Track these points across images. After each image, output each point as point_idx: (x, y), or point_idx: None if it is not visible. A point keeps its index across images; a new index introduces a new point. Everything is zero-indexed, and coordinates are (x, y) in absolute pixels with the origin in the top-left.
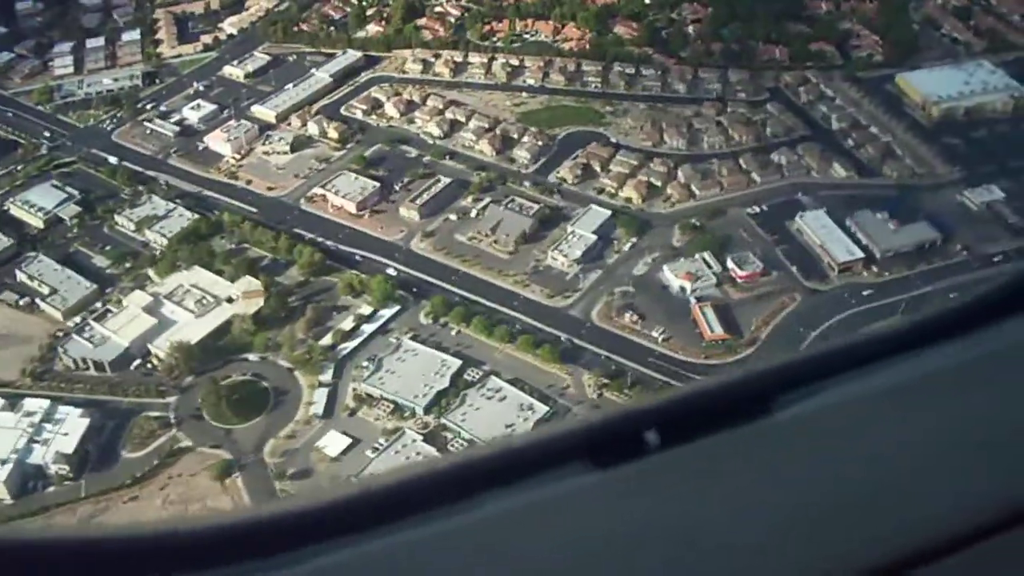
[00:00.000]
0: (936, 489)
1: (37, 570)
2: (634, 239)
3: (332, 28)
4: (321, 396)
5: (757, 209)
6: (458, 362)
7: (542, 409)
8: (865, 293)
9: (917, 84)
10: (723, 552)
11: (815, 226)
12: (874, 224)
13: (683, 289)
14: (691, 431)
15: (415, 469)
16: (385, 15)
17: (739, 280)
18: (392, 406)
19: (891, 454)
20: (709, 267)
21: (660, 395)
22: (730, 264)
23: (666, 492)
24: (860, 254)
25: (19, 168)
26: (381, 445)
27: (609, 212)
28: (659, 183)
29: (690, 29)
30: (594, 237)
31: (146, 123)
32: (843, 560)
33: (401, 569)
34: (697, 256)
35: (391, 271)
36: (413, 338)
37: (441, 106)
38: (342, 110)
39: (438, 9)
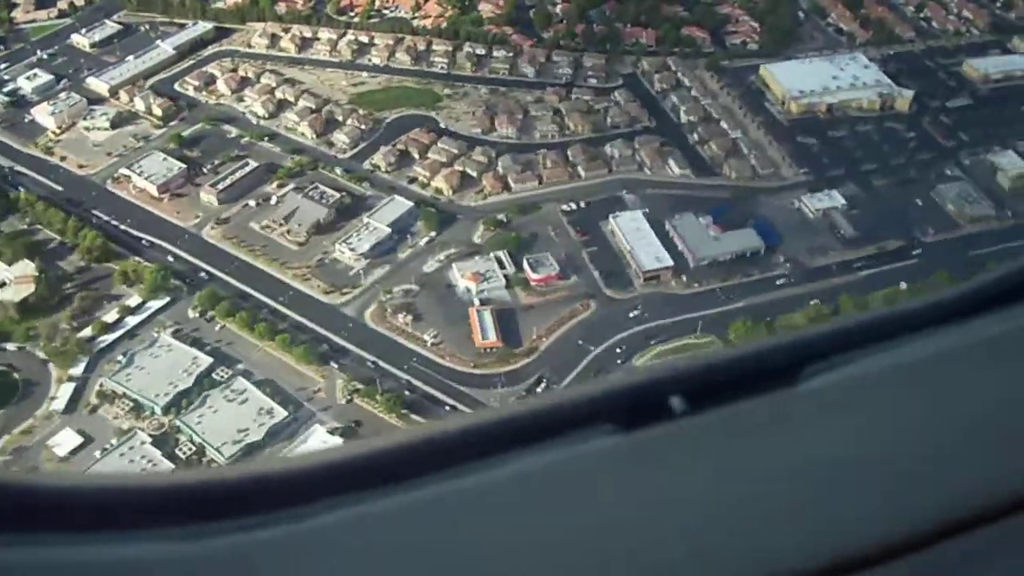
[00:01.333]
0: (960, 466)
1: (56, 516)
2: (433, 233)
3: None
4: (67, 391)
5: (573, 206)
6: (209, 360)
7: (281, 414)
8: (664, 307)
9: (780, 77)
10: (743, 519)
11: (628, 228)
12: (694, 229)
13: (469, 290)
14: (716, 398)
15: (442, 426)
16: None
17: (532, 283)
18: (132, 404)
19: (917, 429)
20: (503, 267)
21: (687, 360)
22: (525, 266)
23: (689, 457)
24: (669, 262)
25: None
26: (111, 446)
27: (411, 204)
28: (475, 173)
29: (558, 9)
30: (388, 230)
31: None
32: (862, 532)
33: (423, 524)
34: (492, 255)
35: (171, 259)
36: (174, 333)
37: (274, 84)
38: (176, 85)
39: None
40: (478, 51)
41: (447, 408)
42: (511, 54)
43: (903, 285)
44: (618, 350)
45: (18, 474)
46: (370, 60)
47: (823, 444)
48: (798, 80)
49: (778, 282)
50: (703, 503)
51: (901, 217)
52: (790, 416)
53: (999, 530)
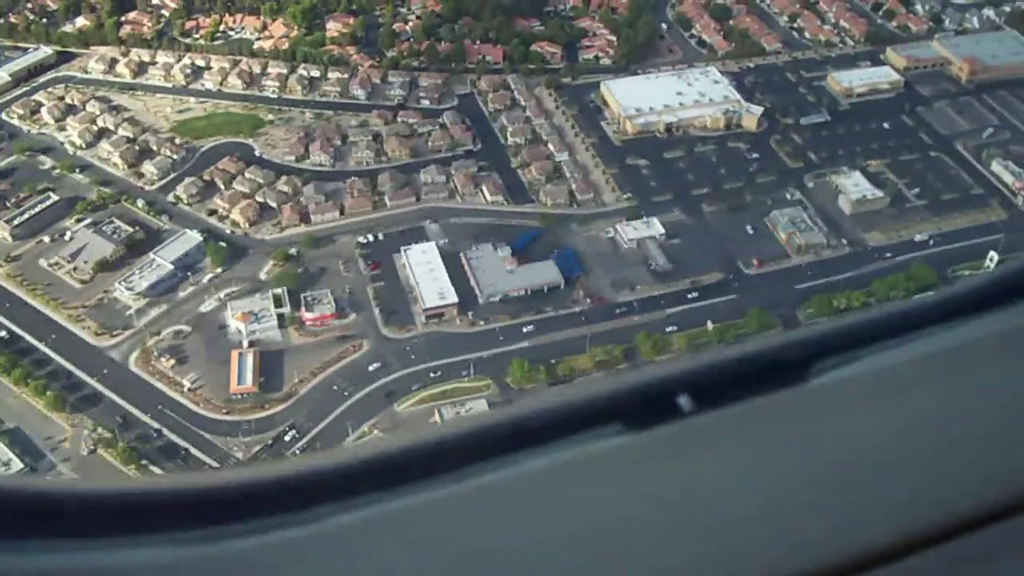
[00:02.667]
0: (972, 462)
1: (71, 522)
2: (219, 270)
3: (45, 20)
4: None
5: (370, 238)
6: None
7: (17, 466)
8: (441, 347)
9: (618, 94)
10: (753, 516)
11: (418, 262)
12: (489, 262)
13: (240, 331)
14: (724, 396)
15: (454, 426)
16: (96, 5)
17: (307, 323)
18: None
19: (926, 424)
20: (280, 306)
21: (694, 359)
22: (302, 304)
23: (699, 455)
24: (454, 298)
25: None
26: None
27: (200, 238)
28: (276, 205)
29: (409, 27)
30: (171, 267)
31: None
32: (874, 528)
33: (436, 524)
34: (271, 292)
35: None
36: None
37: (97, 112)
38: (3, 114)
39: (155, 1)
40: (313, 73)
41: (183, 459)
42: (346, 76)
43: (709, 325)
44: (383, 395)
45: (30, 481)
46: (203, 85)
47: (833, 441)
48: (637, 98)
49: (569, 320)
50: (713, 501)
51: (726, 247)
52: (799, 413)
53: (1012, 526)
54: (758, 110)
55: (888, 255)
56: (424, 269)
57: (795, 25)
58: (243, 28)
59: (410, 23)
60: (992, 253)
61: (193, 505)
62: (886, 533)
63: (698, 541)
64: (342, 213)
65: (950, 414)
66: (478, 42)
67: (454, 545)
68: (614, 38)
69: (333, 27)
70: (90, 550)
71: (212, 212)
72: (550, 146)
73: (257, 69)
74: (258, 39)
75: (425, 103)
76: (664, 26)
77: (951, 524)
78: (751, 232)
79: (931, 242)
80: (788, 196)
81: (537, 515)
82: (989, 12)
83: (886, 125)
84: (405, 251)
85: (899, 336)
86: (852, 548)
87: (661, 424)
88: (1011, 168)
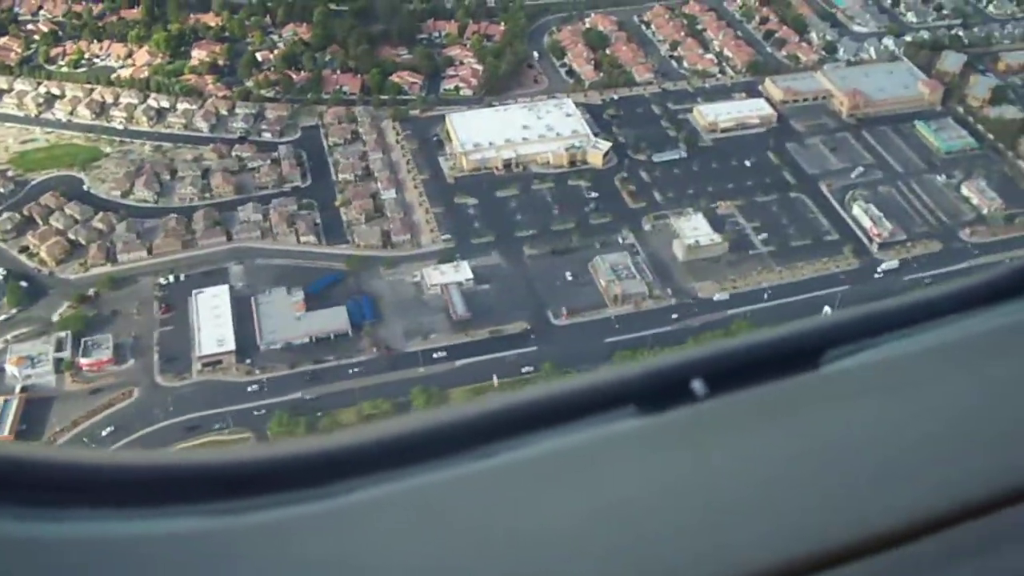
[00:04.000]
0: (981, 451)
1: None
2: (13, 311)
3: None
4: None
5: (171, 279)
6: None
7: None
8: (211, 396)
9: (460, 128)
10: (764, 501)
11: (207, 306)
12: (278, 307)
13: (15, 375)
14: (737, 381)
15: (470, 407)
16: None
17: (83, 368)
18: None
19: (937, 413)
20: (62, 350)
21: (708, 345)
22: (82, 348)
23: (711, 439)
24: (230, 346)
25: None
26: None
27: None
28: (86, 243)
29: (272, 55)
30: None
31: None
32: (883, 514)
33: (453, 502)
34: (55, 336)
35: None
36: None
37: None
38: None
39: (30, 26)
40: (162, 104)
41: None
42: (197, 106)
43: (495, 379)
44: (140, 447)
45: (58, 450)
46: (54, 115)
47: (844, 428)
48: (479, 132)
49: (351, 370)
50: (725, 485)
51: (540, 294)
52: (811, 400)
53: (1019, 513)
54: (605, 145)
55: (714, 308)
56: (210, 314)
57: (675, 53)
58: (108, 55)
59: (276, 51)
60: (826, 308)
61: (219, 479)
62: (895, 518)
63: (709, 524)
64: (150, 252)
65: (960, 404)
66: (338, 72)
67: (468, 523)
68: (480, 67)
69: (197, 55)
70: (122, 520)
71: (24, 249)
72: (379, 183)
73: (110, 99)
74: (121, 67)
75: (267, 136)
76: (536, 55)
77: (960, 511)
78: (570, 279)
79: (767, 294)
80: (620, 240)
81: (551, 495)
82: (888, 42)
83: (748, 163)
84: (196, 294)
85: (911, 326)
86: (861, 532)
87: (674, 408)
88: (871, 212)
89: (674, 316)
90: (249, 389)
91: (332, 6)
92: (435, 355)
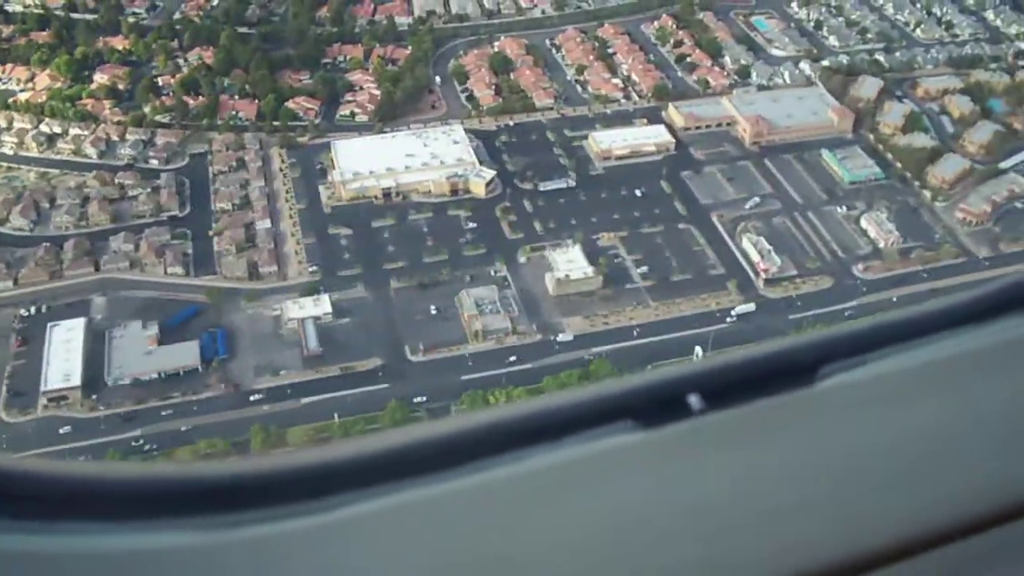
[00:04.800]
0: (975, 467)
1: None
2: None
3: None
4: None
5: (33, 311)
6: None
7: None
8: (49, 434)
9: (342, 156)
10: (760, 516)
11: (61, 339)
12: (131, 341)
13: None
14: (734, 396)
15: (466, 420)
16: None
17: None
18: None
19: (932, 429)
20: None
21: (704, 360)
22: None
23: (707, 454)
24: (76, 381)
25: None
26: None
27: None
28: None
29: (173, 80)
30: None
31: None
32: (878, 530)
33: (446, 517)
34: None
35: None
36: None
37: None
38: None
39: None
40: (55, 129)
41: None
42: (87, 132)
43: (336, 417)
44: None
45: (46, 463)
46: None
47: (839, 443)
48: (361, 160)
49: (195, 408)
50: (721, 499)
51: (401, 329)
52: (806, 415)
53: (1013, 530)
54: (488, 174)
55: (579, 346)
56: (62, 348)
57: (581, 78)
58: (10, 79)
59: (179, 76)
60: (697, 349)
61: (212, 492)
62: (889, 535)
63: (705, 538)
64: (16, 283)
65: (954, 420)
66: (236, 97)
67: (465, 537)
68: (379, 93)
69: (99, 80)
70: (111, 533)
71: None
72: (255, 212)
73: (3, 123)
74: (22, 91)
75: (154, 163)
76: (438, 80)
77: (953, 528)
78: (434, 313)
79: (636, 331)
80: (493, 272)
81: (548, 509)
82: (805, 66)
83: (638, 192)
84: (52, 327)
85: (905, 342)
86: (856, 549)
87: (671, 422)
88: (761, 245)
89: (511, 359)
90: (88, 427)
91: (240, 29)
92: (288, 391)
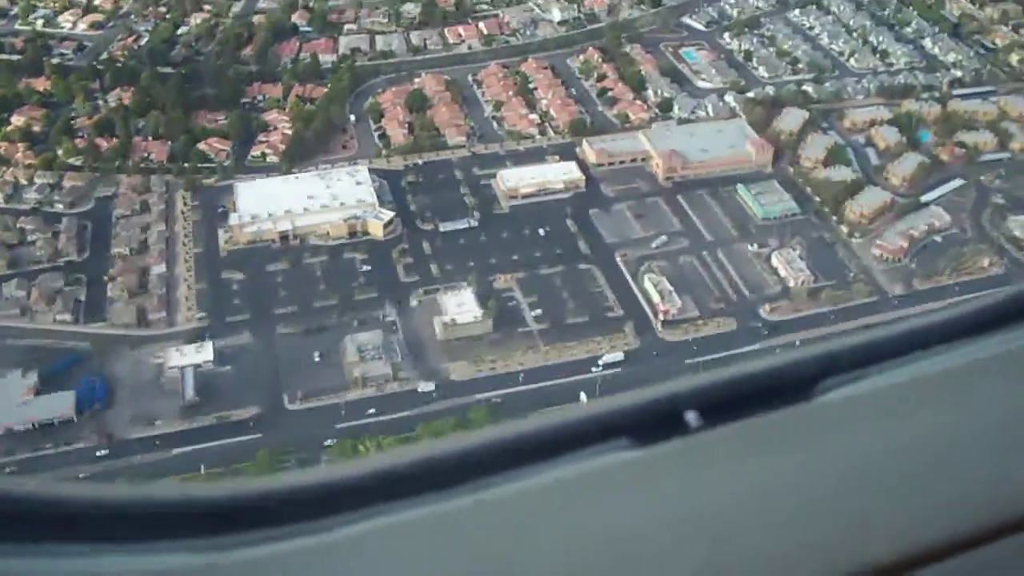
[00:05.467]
0: (973, 480)
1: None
2: None
3: None
4: None
5: None
6: None
7: None
8: None
9: (242, 198)
10: (757, 532)
11: None
12: (8, 390)
13: None
14: (731, 413)
15: (463, 439)
16: None
17: None
18: None
19: (929, 443)
20: None
21: (701, 376)
22: None
23: (704, 471)
24: None
25: None
26: None
27: None
28: None
29: (89, 121)
30: None
31: None
32: (876, 545)
33: (446, 536)
34: None
35: None
36: None
37: None
38: None
39: None
40: None
41: None
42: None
43: (202, 469)
44: None
45: (45, 485)
46: None
47: (837, 458)
48: (262, 202)
49: (66, 459)
50: (719, 516)
51: (283, 376)
52: (805, 430)
53: (1013, 543)
54: (387, 215)
55: (462, 392)
56: None
57: (498, 114)
58: None
59: (95, 117)
60: (582, 395)
61: (207, 514)
62: (890, 549)
63: (703, 555)
64: None
65: (953, 433)
66: (149, 138)
67: (463, 556)
68: (290, 132)
69: (16, 122)
70: (105, 555)
71: None
72: (151, 257)
73: None
74: None
75: (59, 206)
76: (352, 118)
77: (954, 541)
78: (317, 359)
79: (522, 376)
80: (382, 317)
81: (545, 527)
82: (730, 98)
83: (542, 231)
84: None
85: (904, 356)
86: (856, 564)
87: (667, 439)
88: (662, 286)
89: (370, 411)
90: None
91: (164, 69)
92: (156, 442)
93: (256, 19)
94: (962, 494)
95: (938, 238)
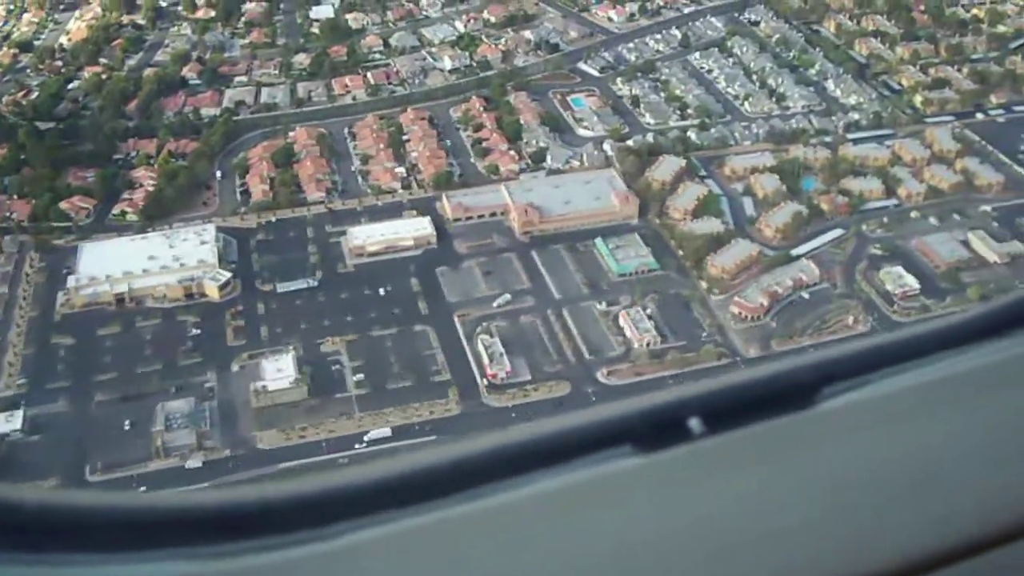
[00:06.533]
0: (977, 487)
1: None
2: None
3: None
4: None
5: None
6: None
7: None
8: None
9: (83, 259)
10: (760, 539)
11: None
12: None
13: None
14: (734, 419)
15: (466, 446)
16: None
17: None
18: None
19: (933, 449)
20: None
21: (704, 383)
22: None
23: (708, 478)
24: None
25: None
26: None
27: None
28: None
29: None
30: None
31: None
32: (879, 552)
33: (448, 543)
34: None
35: None
36: None
37: None
38: None
39: None
40: None
41: None
42: None
43: None
44: None
45: (46, 494)
46: None
47: (840, 465)
48: (101, 264)
49: None
50: (722, 523)
51: (90, 447)
52: (808, 437)
53: (1017, 550)
54: (223, 276)
55: (266, 461)
56: None
57: (366, 168)
58: None
59: None
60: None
61: (209, 521)
62: (893, 556)
63: (706, 562)
64: None
65: (958, 439)
66: (14, 196)
67: (466, 563)
68: (152, 188)
69: None
70: (107, 564)
71: None
72: None
73: None
74: None
75: None
76: (219, 174)
77: (958, 548)
78: (127, 428)
79: (324, 445)
80: (203, 383)
81: (548, 534)
82: (607, 146)
83: (383, 291)
84: None
85: (907, 362)
86: (859, 571)
87: (671, 446)
88: (493, 349)
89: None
90: None
91: (45, 125)
92: None
93: (147, 72)
94: (967, 500)
95: (805, 294)
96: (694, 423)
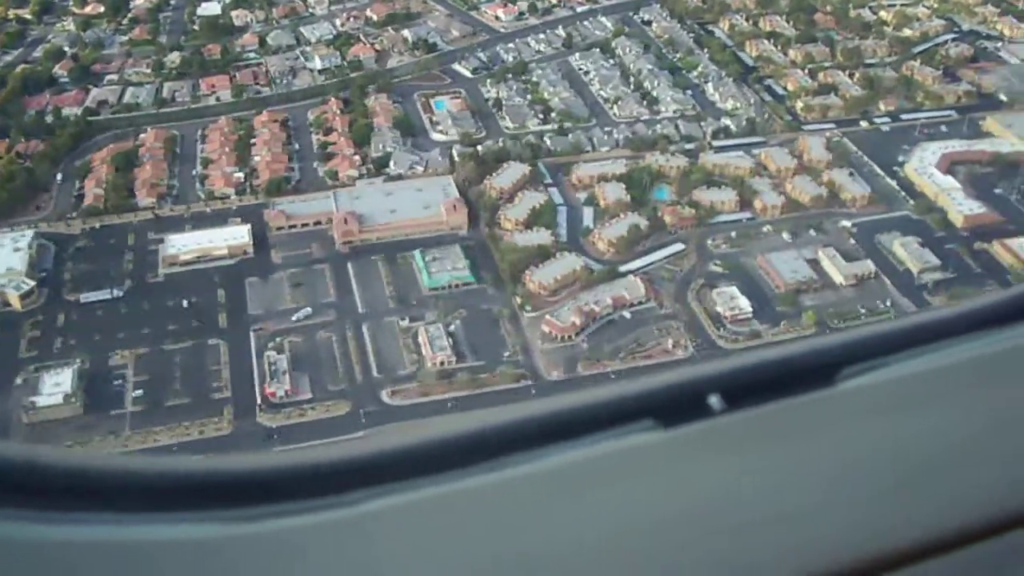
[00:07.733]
0: (994, 468)
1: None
2: None
3: None
4: None
5: None
6: None
7: None
8: None
9: None
10: (778, 515)
11: None
12: None
13: None
14: (754, 397)
15: (487, 417)
16: None
17: None
18: None
19: (951, 431)
20: None
21: (725, 360)
22: None
23: (727, 454)
24: None
25: None
26: None
27: None
28: None
29: None
30: None
31: None
32: (897, 531)
33: (468, 513)
34: None
35: None
36: None
37: None
38: None
39: None
40: None
41: None
42: None
43: None
44: None
45: (72, 454)
46: None
47: (858, 444)
48: None
49: None
50: (740, 499)
51: None
52: (827, 417)
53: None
54: (27, 285)
55: None
56: None
57: (204, 172)
58: None
59: None
60: None
61: (234, 485)
62: (908, 537)
63: (724, 538)
64: None
65: (975, 423)
66: None
67: (486, 533)
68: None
69: None
70: (134, 524)
71: None
72: None
73: None
74: None
75: None
76: (59, 177)
77: (973, 531)
78: None
79: None
80: None
81: (568, 507)
82: (455, 150)
83: (186, 303)
84: None
85: (927, 344)
86: (875, 550)
87: (691, 422)
88: (278, 366)
89: None
90: None
91: None
92: None
93: (17, 70)
94: (983, 483)
95: (627, 314)
96: (715, 400)
